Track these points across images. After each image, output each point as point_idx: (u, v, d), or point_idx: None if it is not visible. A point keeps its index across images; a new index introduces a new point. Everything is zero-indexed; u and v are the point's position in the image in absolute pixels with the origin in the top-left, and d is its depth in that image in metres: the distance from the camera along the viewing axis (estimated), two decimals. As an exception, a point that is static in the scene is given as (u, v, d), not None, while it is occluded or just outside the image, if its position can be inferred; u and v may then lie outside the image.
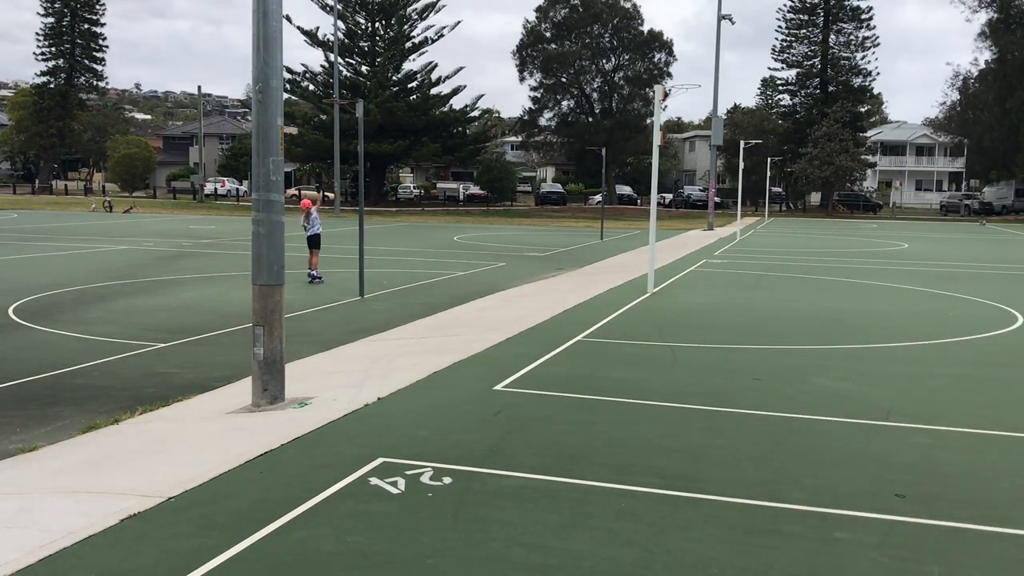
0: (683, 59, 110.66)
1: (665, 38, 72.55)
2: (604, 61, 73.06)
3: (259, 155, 8.30)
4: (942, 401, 8.99)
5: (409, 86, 66.84)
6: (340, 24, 61.12)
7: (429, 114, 64.70)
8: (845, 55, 70.92)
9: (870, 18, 70.20)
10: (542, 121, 75.73)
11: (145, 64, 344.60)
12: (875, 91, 79.36)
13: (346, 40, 65.68)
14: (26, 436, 7.78)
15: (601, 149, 41.25)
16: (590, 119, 73.62)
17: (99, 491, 6.11)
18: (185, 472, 6.38)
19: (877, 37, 71.07)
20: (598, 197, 62.84)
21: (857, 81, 70.83)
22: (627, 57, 72.81)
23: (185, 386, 9.57)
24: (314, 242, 19.45)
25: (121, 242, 29.60)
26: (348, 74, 65.70)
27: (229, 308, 15.18)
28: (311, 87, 65.52)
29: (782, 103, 74.82)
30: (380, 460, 6.64)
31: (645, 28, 72.56)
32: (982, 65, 68.98)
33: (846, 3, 70.03)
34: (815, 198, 74.94)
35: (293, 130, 60.07)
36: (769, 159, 58.83)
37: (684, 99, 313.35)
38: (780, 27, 72.19)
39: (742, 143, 44.06)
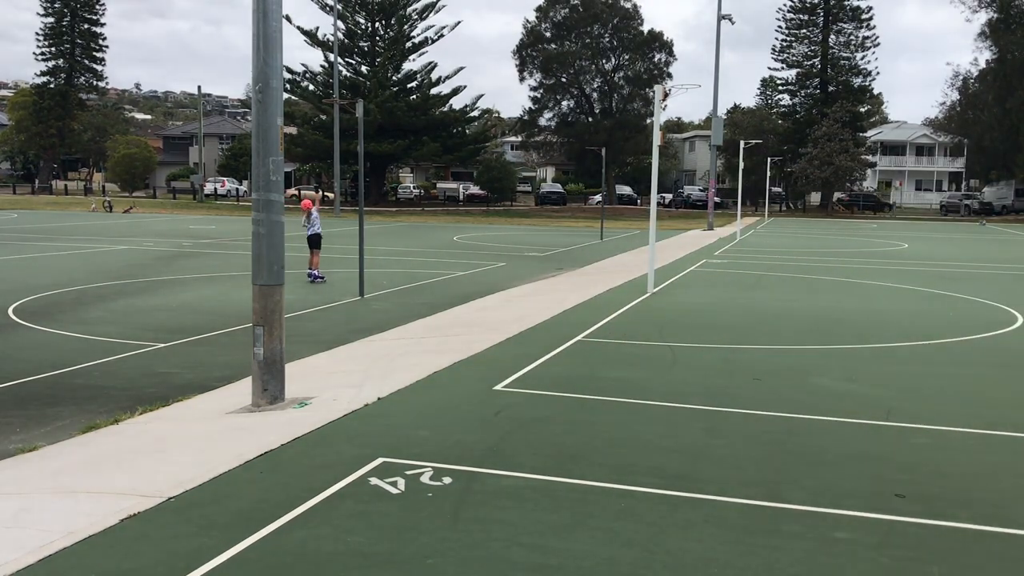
0: (683, 59, 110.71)
1: (665, 38, 72.59)
2: (604, 61, 73.07)
3: (259, 155, 8.30)
4: (942, 401, 8.99)
5: (409, 86, 66.87)
6: (340, 24, 61.17)
7: (429, 114, 64.72)
8: (845, 55, 70.95)
9: (870, 18, 70.26)
10: (542, 121, 75.77)
11: (145, 64, 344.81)
12: (875, 91, 79.43)
13: (346, 40, 65.69)
14: (26, 436, 7.78)
15: (601, 149, 41.25)
16: (590, 119, 73.63)
17: (99, 491, 6.11)
18: (185, 472, 6.38)
19: (877, 37, 71.17)
20: (598, 197, 62.85)
21: (857, 81, 70.85)
22: (627, 57, 72.82)
23: (185, 386, 9.57)
24: (314, 242, 19.47)
25: (121, 242, 29.60)
26: (348, 74, 65.72)
27: (229, 308, 15.18)
28: (311, 87, 65.54)
29: (782, 103, 74.88)
30: (380, 460, 6.64)
31: (645, 28, 72.65)
32: (982, 65, 69.09)
33: (846, 3, 70.05)
34: (815, 198, 74.93)
35: (293, 130, 59.94)
36: (769, 159, 58.82)
37: (684, 99, 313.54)
38: (780, 27, 72.29)
39: (742, 143, 44.06)
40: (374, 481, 6.20)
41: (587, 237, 36.80)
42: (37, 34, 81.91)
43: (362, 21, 67.26)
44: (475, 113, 69.96)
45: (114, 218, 46.15)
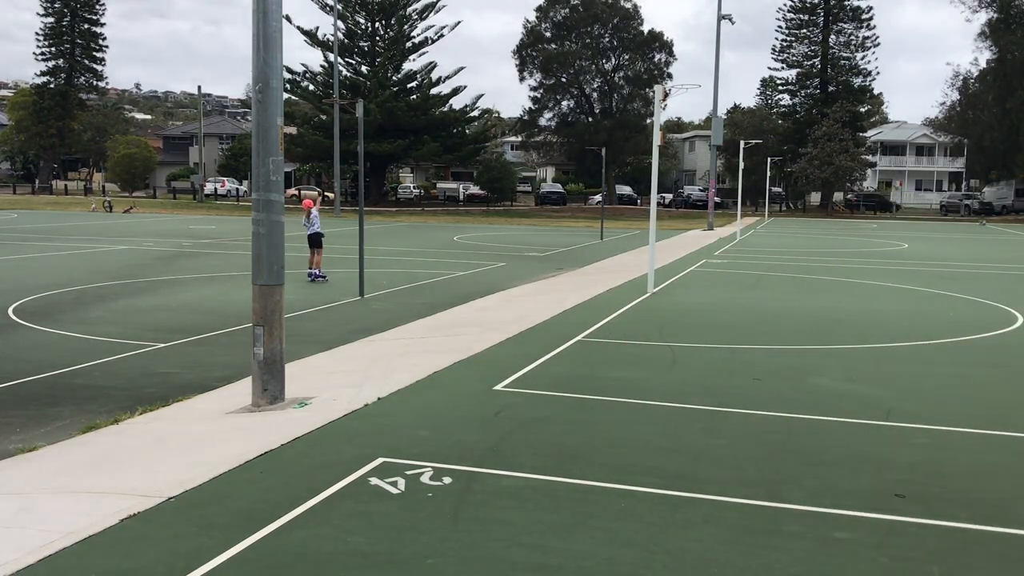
0: (683, 59, 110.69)
1: (665, 38, 72.55)
2: (604, 61, 73.06)
3: (259, 155, 8.30)
4: (942, 401, 8.99)
5: (409, 86, 66.87)
6: (340, 24, 61.16)
7: (429, 114, 64.72)
8: (845, 55, 70.95)
9: (870, 18, 70.26)
10: (542, 121, 75.74)
11: (145, 64, 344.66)
12: (875, 91, 79.43)
13: (346, 40, 65.69)
14: (26, 436, 7.78)
15: (601, 149, 41.24)
16: (590, 119, 73.62)
17: (99, 491, 6.11)
18: (185, 472, 6.38)
19: (877, 37, 71.18)
20: (598, 197, 62.85)
21: (857, 81, 70.85)
22: (627, 57, 72.81)
23: (185, 386, 9.57)
24: (315, 241, 19.51)
25: (121, 242, 29.60)
26: (348, 74, 65.72)
27: (229, 308, 15.18)
28: (311, 87, 65.54)
29: (782, 103, 74.90)
30: (380, 460, 6.64)
31: (645, 28, 72.63)
32: (982, 65, 69.08)
33: (846, 3, 70.06)
34: (815, 198, 74.95)
35: (293, 130, 59.94)
36: (769, 159, 58.82)
37: (684, 99, 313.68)
38: (780, 27, 72.29)
39: (742, 143, 44.06)
40: (374, 481, 6.20)
41: (587, 237, 36.80)
42: (37, 34, 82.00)
43: (362, 21, 67.27)
44: (475, 113, 69.99)
45: (114, 218, 46.15)
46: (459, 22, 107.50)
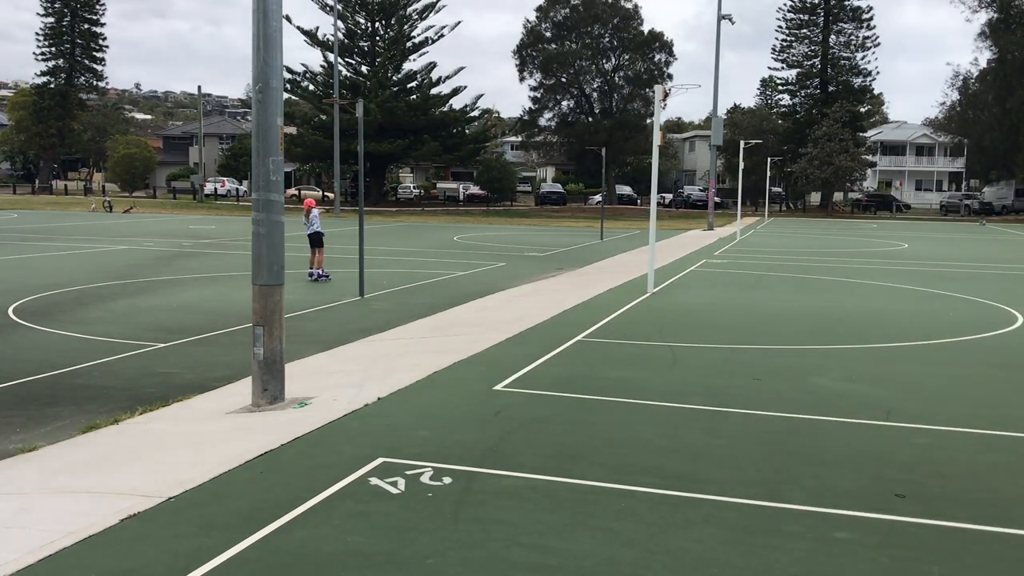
0: (683, 59, 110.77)
1: (665, 38, 72.58)
2: (604, 61, 73.07)
3: (259, 155, 8.30)
4: (942, 401, 8.99)
5: (409, 86, 66.88)
6: (340, 24, 61.16)
7: (429, 114, 64.72)
8: (845, 55, 70.97)
9: (870, 18, 70.28)
10: (542, 121, 75.76)
11: (145, 64, 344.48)
12: (875, 91, 79.45)
13: (346, 40, 65.69)
14: (26, 436, 7.78)
15: (601, 149, 41.25)
16: (590, 119, 73.63)
17: (99, 491, 6.11)
18: (185, 472, 6.38)
19: (877, 37, 71.19)
20: (598, 197, 62.86)
21: (857, 81, 70.88)
22: (627, 57, 72.82)
23: (185, 386, 9.57)
24: (315, 240, 19.55)
25: (121, 242, 29.60)
26: (348, 74, 65.73)
27: (229, 308, 15.18)
28: (311, 87, 65.55)
29: (782, 103, 74.91)
30: (380, 460, 6.64)
31: (645, 28, 72.66)
32: (982, 65, 69.10)
33: (846, 3, 70.08)
34: (815, 198, 74.97)
35: (293, 130, 59.99)
36: (769, 159, 58.83)
37: (684, 99, 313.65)
38: (780, 27, 72.32)
39: (742, 143, 44.07)
40: (374, 481, 6.20)
41: (587, 237, 36.80)
42: (37, 34, 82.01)
43: (362, 21, 67.28)
44: (475, 113, 69.99)
45: (114, 218, 46.15)
46: (459, 22, 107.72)
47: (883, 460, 6.91)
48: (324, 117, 62.21)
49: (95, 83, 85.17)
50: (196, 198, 69.68)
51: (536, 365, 10.27)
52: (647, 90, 66.61)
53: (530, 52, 72.49)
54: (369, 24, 67.23)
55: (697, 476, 6.44)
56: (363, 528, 5.37)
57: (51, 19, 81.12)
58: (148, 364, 10.80)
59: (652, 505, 5.85)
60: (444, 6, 68.97)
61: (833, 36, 70.73)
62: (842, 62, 71.01)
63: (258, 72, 8.22)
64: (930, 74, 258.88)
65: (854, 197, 75.73)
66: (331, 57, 59.43)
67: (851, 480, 6.41)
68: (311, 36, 64.62)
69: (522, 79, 74.33)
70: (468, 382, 9.40)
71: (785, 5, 71.76)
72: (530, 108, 75.12)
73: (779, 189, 75.18)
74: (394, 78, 65.85)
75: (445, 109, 67.02)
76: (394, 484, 6.13)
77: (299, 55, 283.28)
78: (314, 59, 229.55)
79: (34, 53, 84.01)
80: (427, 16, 66.67)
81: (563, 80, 73.26)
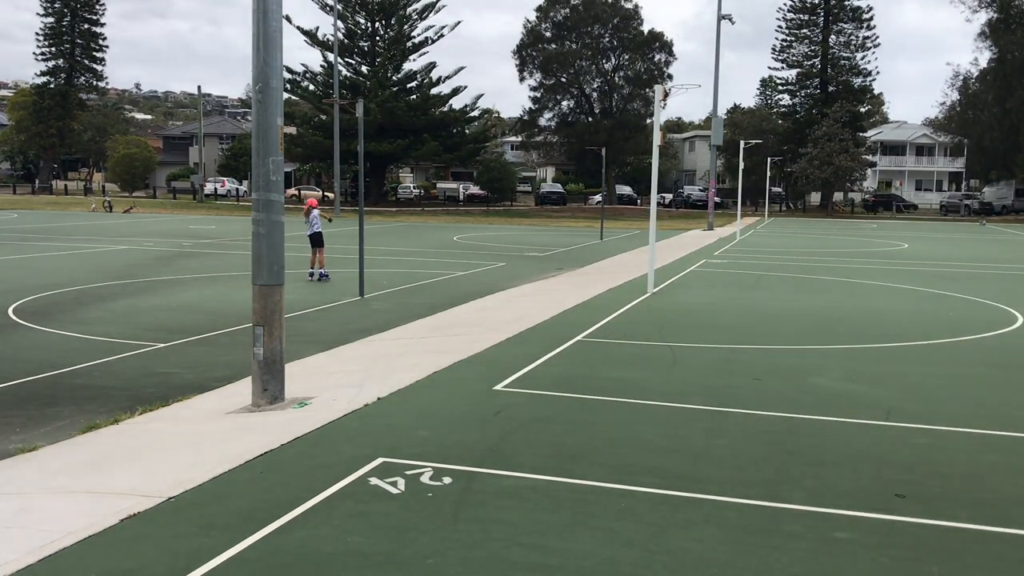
0: (683, 59, 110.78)
1: (665, 38, 72.58)
2: (604, 61, 73.06)
3: (259, 155, 8.30)
4: (942, 401, 8.99)
5: (409, 86, 66.87)
6: (340, 24, 61.14)
7: (429, 114, 64.71)
8: (845, 55, 70.98)
9: (870, 18, 70.30)
10: (542, 121, 75.76)
11: (145, 64, 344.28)
12: (875, 91, 79.46)
13: (346, 40, 65.68)
14: (26, 436, 7.78)
15: (601, 149, 41.26)
16: (590, 119, 73.63)
17: (99, 491, 6.11)
18: (185, 472, 6.38)
19: (877, 37, 71.19)
20: (598, 197, 62.86)
21: (857, 81, 70.88)
22: (627, 57, 72.82)
23: (185, 386, 9.57)
24: (316, 240, 19.58)
25: (121, 242, 29.60)
26: (348, 74, 65.71)
27: (229, 308, 15.18)
28: (311, 87, 65.53)
29: (782, 103, 74.92)
30: (380, 460, 6.64)
31: (645, 28, 72.65)
32: (982, 65, 69.10)
33: (846, 3, 70.09)
34: (815, 198, 74.99)
35: (293, 130, 60.00)
36: (769, 159, 58.84)
37: (684, 99, 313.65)
38: (780, 27, 72.33)
39: (742, 143, 44.07)
40: (374, 481, 6.20)
41: (587, 237, 36.80)
42: (37, 34, 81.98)
43: (362, 21, 67.27)
44: (475, 113, 69.97)
45: (114, 218, 46.15)
46: (459, 22, 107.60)
47: (883, 460, 6.91)
48: (324, 117, 62.20)
49: (95, 83, 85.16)
50: (196, 198, 69.69)
51: (536, 365, 10.27)
52: (647, 90, 66.61)
53: (530, 52, 72.48)
54: (369, 24, 67.22)
55: (697, 476, 6.44)
56: (363, 528, 5.37)
57: (51, 19, 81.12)
58: (148, 364, 10.80)
59: (652, 505, 5.85)
60: (444, 6, 69.06)
61: (833, 36, 70.74)
62: (842, 62, 71.02)
63: (258, 72, 8.22)
64: (930, 74, 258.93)
65: (864, 197, 75.75)
66: (331, 57, 59.43)
67: (851, 480, 6.41)
68: (311, 36, 64.63)
69: (522, 79, 74.42)
70: (468, 382, 9.40)
71: (785, 5, 71.83)
72: (530, 108, 75.16)
73: (779, 189, 75.19)
74: (394, 78, 65.84)
75: (445, 109, 67.01)
76: (394, 484, 6.13)
77: (299, 55, 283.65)
78: (314, 59, 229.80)
79: (34, 53, 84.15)
80: (427, 16, 66.71)
81: (563, 80, 73.26)
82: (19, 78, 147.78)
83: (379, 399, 8.58)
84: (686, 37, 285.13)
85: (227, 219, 47.05)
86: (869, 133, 79.32)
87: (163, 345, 11.94)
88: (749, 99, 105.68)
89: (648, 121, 66.57)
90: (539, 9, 72.79)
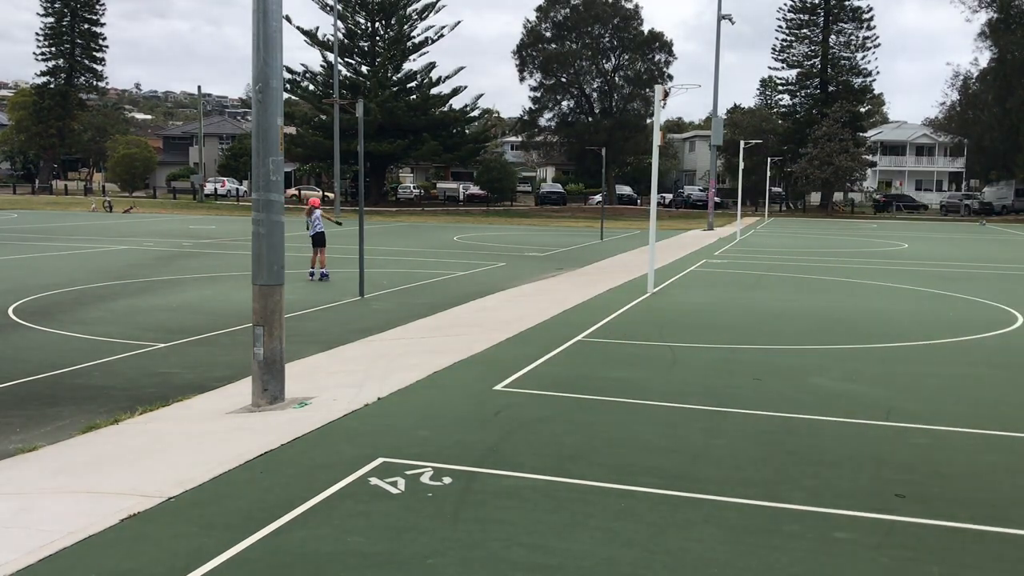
0: (683, 59, 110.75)
1: (665, 38, 72.57)
2: (604, 61, 73.06)
3: (259, 155, 8.30)
4: (942, 401, 8.99)
5: (409, 86, 66.87)
6: (340, 24, 61.13)
7: (429, 114, 64.71)
8: (845, 55, 70.99)
9: (870, 18, 70.30)
10: (542, 121, 75.76)
11: (145, 64, 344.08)
12: (875, 91, 79.47)
13: (346, 40, 65.68)
14: (26, 436, 7.78)
15: (601, 149, 41.25)
16: (590, 119, 73.62)
17: (99, 491, 6.11)
18: (185, 472, 6.38)
19: (877, 37, 71.18)
20: (598, 197, 62.86)
21: (857, 81, 70.90)
22: (627, 57, 72.81)
23: (185, 386, 9.57)
24: (318, 240, 19.61)
25: (121, 242, 29.60)
26: (348, 74, 65.71)
27: (229, 308, 15.18)
28: (311, 87, 65.53)
29: (782, 103, 74.94)
30: (380, 460, 6.64)
31: (645, 28, 72.65)
32: (982, 65, 69.10)
33: (846, 3, 70.09)
34: (815, 198, 74.99)
35: (293, 130, 59.99)
36: (769, 159, 58.85)
37: (684, 99, 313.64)
38: (780, 27, 72.34)
39: (742, 143, 44.08)
40: (374, 481, 6.20)
41: (587, 237, 36.80)
42: (37, 34, 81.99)
43: (362, 21, 67.26)
44: (475, 113, 69.98)
45: (114, 218, 46.15)
46: (459, 22, 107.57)
47: (883, 460, 6.91)
48: (324, 117, 62.20)
49: (95, 83, 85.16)
50: (196, 198, 69.69)
51: (536, 365, 10.27)
52: (647, 90, 66.60)
53: (530, 52, 72.48)
54: (369, 24, 67.21)
55: (697, 476, 6.44)
56: (363, 528, 5.37)
57: (51, 19, 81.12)
58: (148, 364, 10.80)
59: (652, 505, 5.85)
60: (444, 6, 69.05)
61: (833, 36, 70.75)
62: (842, 62, 71.03)
63: (258, 72, 8.22)
64: (930, 74, 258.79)
65: (875, 197, 75.80)
66: (331, 57, 59.42)
67: (851, 480, 6.42)
68: (311, 36, 64.63)
69: (522, 79, 74.41)
70: (468, 382, 9.40)
71: (785, 5, 71.83)
72: (530, 108, 75.15)
73: (779, 189, 75.20)
74: (394, 78, 65.85)
75: (445, 109, 67.01)
76: (394, 484, 6.13)
77: (299, 55, 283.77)
78: (314, 59, 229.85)
79: (34, 53, 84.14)
80: (427, 16, 66.70)
81: (563, 80, 73.25)
82: (19, 78, 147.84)
83: (379, 399, 8.58)
84: (686, 37, 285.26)
85: (227, 219, 47.05)
86: (869, 133, 79.33)
87: (163, 345, 11.94)
88: (749, 99, 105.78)
89: (648, 121, 66.58)
90: (539, 9, 72.82)
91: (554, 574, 4.79)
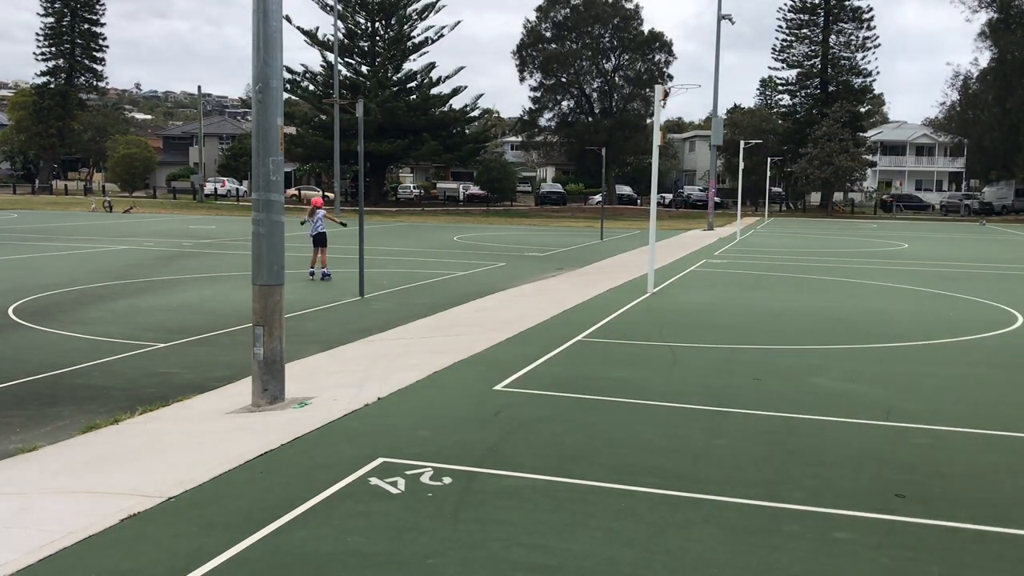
0: (683, 59, 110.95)
1: (665, 38, 72.58)
2: (604, 61, 73.06)
3: (259, 155, 8.30)
4: (942, 401, 8.99)
5: (409, 86, 66.88)
6: (340, 24, 61.12)
7: (429, 114, 64.72)
8: (845, 55, 71.01)
9: (870, 18, 70.31)
10: (542, 121, 75.76)
11: (145, 64, 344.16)
12: (875, 91, 79.48)
13: (346, 40, 65.67)
14: (26, 436, 7.78)
15: (601, 149, 41.25)
16: (590, 119, 73.62)
17: (99, 491, 6.11)
18: (185, 472, 6.38)
19: (877, 37, 71.20)
20: (598, 197, 62.85)
21: (857, 81, 70.91)
22: (627, 57, 72.81)
23: (185, 386, 9.57)
24: (319, 240, 19.63)
25: (121, 242, 29.60)
26: (348, 74, 65.72)
27: (229, 308, 15.18)
28: (311, 87, 65.53)
29: (782, 103, 74.95)
30: (380, 460, 6.64)
31: (645, 28, 72.66)
32: (982, 65, 69.12)
33: (846, 3, 70.10)
34: (815, 198, 75.01)
35: (293, 130, 59.99)
36: (769, 159, 58.84)
37: (684, 99, 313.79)
38: (780, 27, 72.38)
39: (742, 143, 44.08)
40: (374, 481, 6.20)
41: (587, 237, 36.80)
42: (37, 34, 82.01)
43: (362, 21, 67.26)
44: (475, 113, 70.00)
45: (114, 218, 46.15)
46: (459, 22, 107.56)
47: (883, 460, 6.91)
48: (324, 117, 62.20)
49: (95, 83, 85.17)
50: (196, 198, 69.68)
51: (536, 365, 10.27)
52: (647, 90, 66.59)
53: (530, 52, 72.48)
54: (369, 24, 67.21)
55: (697, 476, 6.44)
56: (363, 528, 5.37)
57: (51, 19, 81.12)
58: (148, 364, 10.80)
59: (652, 505, 5.85)
60: (444, 6, 69.05)
61: (833, 36, 70.76)
62: (842, 62, 71.04)
63: (258, 72, 8.22)
64: (930, 74, 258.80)
65: (883, 197, 75.86)
66: (331, 57, 59.42)
67: (851, 480, 6.41)
68: (311, 36, 64.63)
69: (522, 79, 74.42)
70: (468, 382, 9.40)
71: (785, 5, 71.85)
72: (530, 108, 75.16)
73: (779, 189, 75.21)
74: (394, 78, 65.86)
75: (445, 109, 67.02)
76: (394, 484, 6.13)
77: (299, 55, 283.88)
78: (314, 59, 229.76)
79: (34, 53, 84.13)
80: (427, 16, 66.71)
81: (563, 80, 73.25)
82: (19, 78, 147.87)
83: (379, 399, 8.58)
84: (686, 37, 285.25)
85: (227, 219, 47.05)
86: (869, 133, 79.33)
87: (163, 345, 11.94)
88: (749, 99, 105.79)
89: (648, 121, 66.58)
90: (539, 9, 72.82)
91: (554, 574, 4.79)
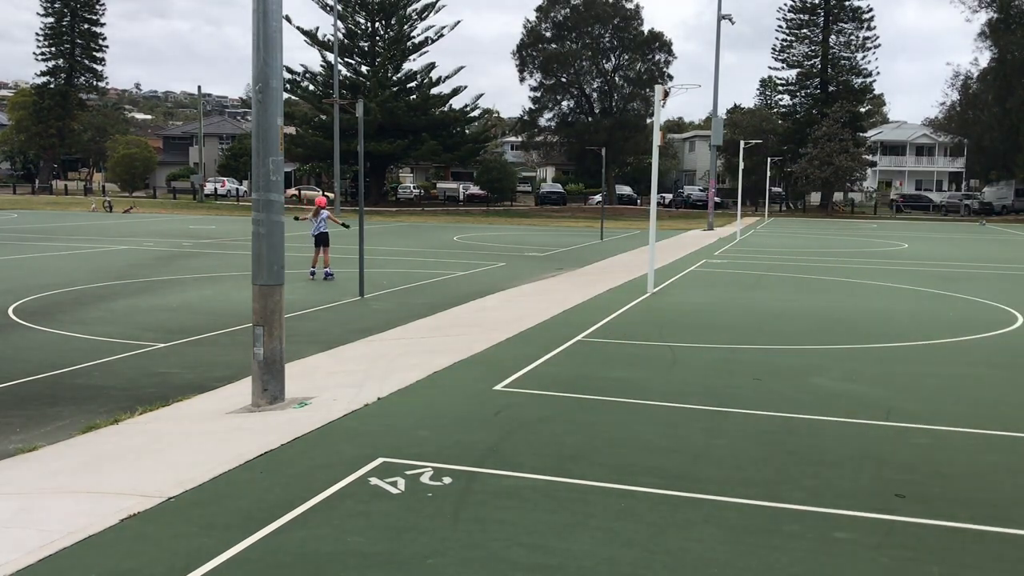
0: (683, 59, 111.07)
1: (665, 38, 72.59)
2: (604, 61, 73.06)
3: (259, 155, 8.30)
4: (942, 401, 8.99)
5: (409, 86, 66.89)
6: (340, 24, 61.12)
7: (429, 114, 64.73)
8: (845, 55, 71.02)
9: (871, 18, 70.30)
10: (542, 121, 75.77)
11: (145, 64, 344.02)
12: (875, 91, 79.49)
13: (346, 40, 65.68)
14: (26, 436, 7.78)
15: (601, 149, 41.26)
16: (590, 119, 73.62)
17: (99, 491, 6.11)
18: (185, 472, 6.38)
19: (877, 37, 71.24)
20: (598, 197, 62.85)
21: (857, 81, 70.92)
22: (627, 57, 72.81)
23: (185, 386, 9.57)
24: (322, 240, 19.66)
25: (121, 242, 29.60)
26: (348, 74, 65.74)
27: (229, 308, 15.18)
28: (311, 87, 65.54)
29: (782, 103, 74.97)
30: (380, 460, 6.64)
31: (645, 28, 72.66)
32: (982, 65, 69.11)
33: (846, 3, 70.11)
34: (815, 198, 75.02)
35: (293, 130, 59.99)
36: (769, 159, 58.85)
37: (684, 99, 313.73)
38: (780, 27, 72.38)
39: (742, 143, 44.08)
40: (374, 481, 6.20)
41: (587, 237, 36.80)
42: (37, 34, 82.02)
43: (362, 21, 67.27)
44: (475, 113, 70.02)
45: (114, 218, 46.15)
46: (459, 22, 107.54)
47: (883, 460, 6.91)
48: (324, 117, 62.20)
49: (95, 83, 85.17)
50: (196, 198, 69.69)
51: (536, 365, 10.27)
52: (647, 90, 66.59)
53: (530, 52, 72.47)
54: (369, 24, 67.22)
55: (697, 476, 6.44)
56: (363, 528, 5.37)
57: (51, 19, 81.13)
58: (148, 364, 10.80)
59: (652, 505, 5.85)
60: (444, 6, 69.08)
61: (833, 36, 70.77)
62: (842, 62, 71.05)
63: (258, 72, 8.22)
64: (930, 74, 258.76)
65: (892, 198, 75.91)
66: (331, 57, 59.42)
67: (851, 480, 6.41)
68: (311, 36, 64.63)
69: (522, 79, 74.42)
70: (468, 382, 9.40)
71: (785, 5, 71.86)
72: (530, 108, 75.16)
73: (779, 189, 75.21)
74: (394, 78, 65.86)
75: (445, 109, 67.03)
76: (394, 484, 6.13)
77: (299, 55, 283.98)
78: (314, 59, 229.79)
79: (34, 53, 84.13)
80: (427, 16, 66.72)
81: (563, 80, 73.25)
82: (19, 78, 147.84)
83: (379, 399, 8.58)
84: (686, 37, 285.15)
85: (227, 219, 47.05)
86: (869, 133, 79.33)
87: (163, 345, 11.94)
88: (749, 99, 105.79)
89: (648, 121, 66.57)
90: (539, 9, 72.82)
91: (554, 574, 4.79)
